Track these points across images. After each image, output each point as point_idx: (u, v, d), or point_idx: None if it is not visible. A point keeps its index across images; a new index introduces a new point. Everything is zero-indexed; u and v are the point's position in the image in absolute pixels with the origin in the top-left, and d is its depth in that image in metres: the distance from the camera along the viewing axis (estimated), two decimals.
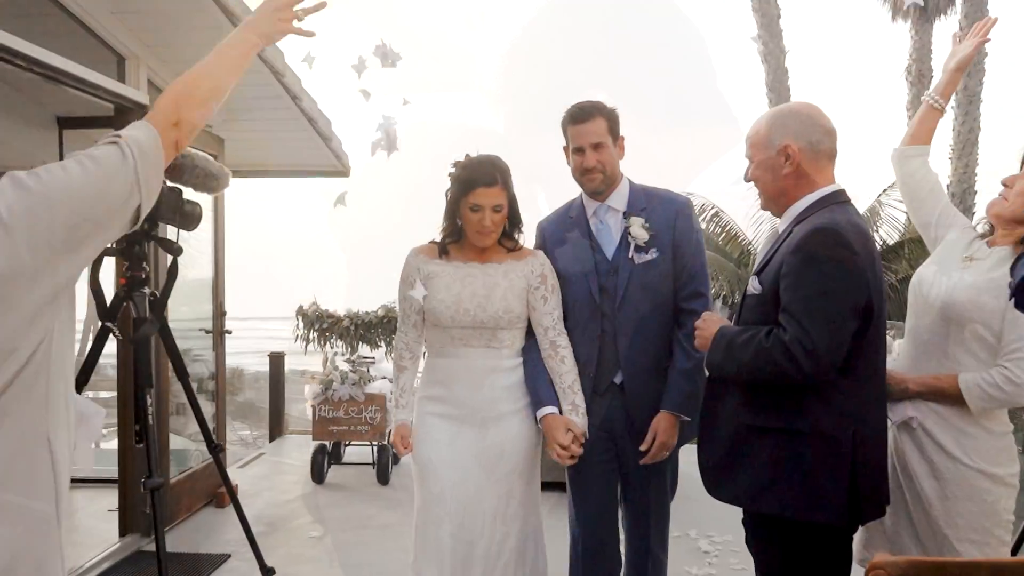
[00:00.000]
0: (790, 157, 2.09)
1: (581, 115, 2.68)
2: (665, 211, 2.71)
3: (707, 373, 2.27)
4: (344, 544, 4.45)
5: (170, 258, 2.33)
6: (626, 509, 2.82)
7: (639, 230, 2.66)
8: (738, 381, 2.10)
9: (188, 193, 2.42)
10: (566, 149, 2.74)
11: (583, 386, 2.70)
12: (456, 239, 2.69)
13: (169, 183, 2.30)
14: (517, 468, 2.65)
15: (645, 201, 2.72)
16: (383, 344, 7.04)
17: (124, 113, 4.23)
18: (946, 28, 14.03)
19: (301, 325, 7.05)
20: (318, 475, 5.72)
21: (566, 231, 2.78)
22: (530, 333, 2.73)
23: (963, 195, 13.15)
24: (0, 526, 1.32)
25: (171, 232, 2.41)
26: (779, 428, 2.02)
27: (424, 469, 2.64)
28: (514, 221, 2.69)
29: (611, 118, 2.71)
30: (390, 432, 2.84)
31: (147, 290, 2.33)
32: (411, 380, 2.77)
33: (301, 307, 6.96)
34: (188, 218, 2.34)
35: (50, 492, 1.40)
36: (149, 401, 2.29)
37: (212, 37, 4.45)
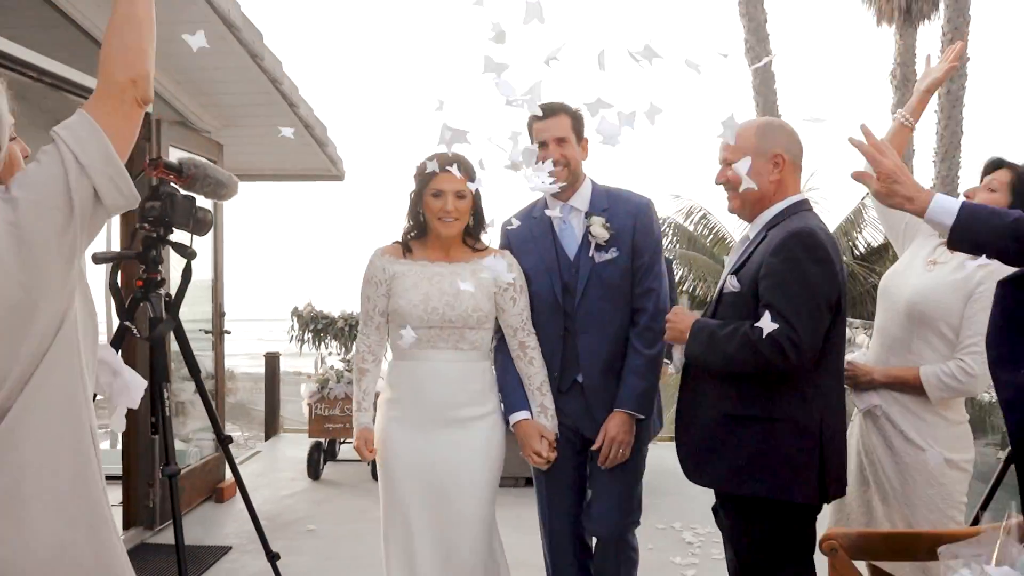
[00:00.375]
0: (778, 165, 2.27)
1: (545, 111, 2.67)
2: (626, 211, 2.74)
3: (676, 365, 2.44)
4: (339, 537, 4.60)
5: (184, 261, 2.49)
6: (592, 503, 2.80)
7: (599, 229, 2.70)
8: (717, 373, 2.26)
9: (199, 200, 2.57)
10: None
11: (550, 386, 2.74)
12: (420, 235, 2.69)
13: (183, 192, 2.45)
14: (483, 475, 2.63)
15: (607, 201, 2.76)
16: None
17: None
18: (930, 32, 14.20)
19: (296, 326, 7.20)
20: (314, 471, 5.86)
21: (530, 230, 2.80)
22: (499, 334, 2.75)
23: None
24: (55, 517, 1.46)
25: (183, 237, 2.56)
26: (757, 417, 2.19)
27: (388, 476, 2.64)
28: (478, 220, 2.70)
29: (575, 117, 2.74)
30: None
31: (163, 291, 2.48)
32: (373, 383, 2.74)
33: (296, 308, 7.09)
34: (201, 224, 2.49)
35: (97, 478, 1.54)
36: (166, 395, 2.45)
37: (230, 67, 4.64)
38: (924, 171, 13.08)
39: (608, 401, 2.69)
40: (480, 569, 2.59)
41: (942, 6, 13.63)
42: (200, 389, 2.67)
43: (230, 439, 2.87)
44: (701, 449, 2.30)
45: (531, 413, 2.68)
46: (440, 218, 2.61)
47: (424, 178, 2.61)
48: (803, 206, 2.29)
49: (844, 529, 1.84)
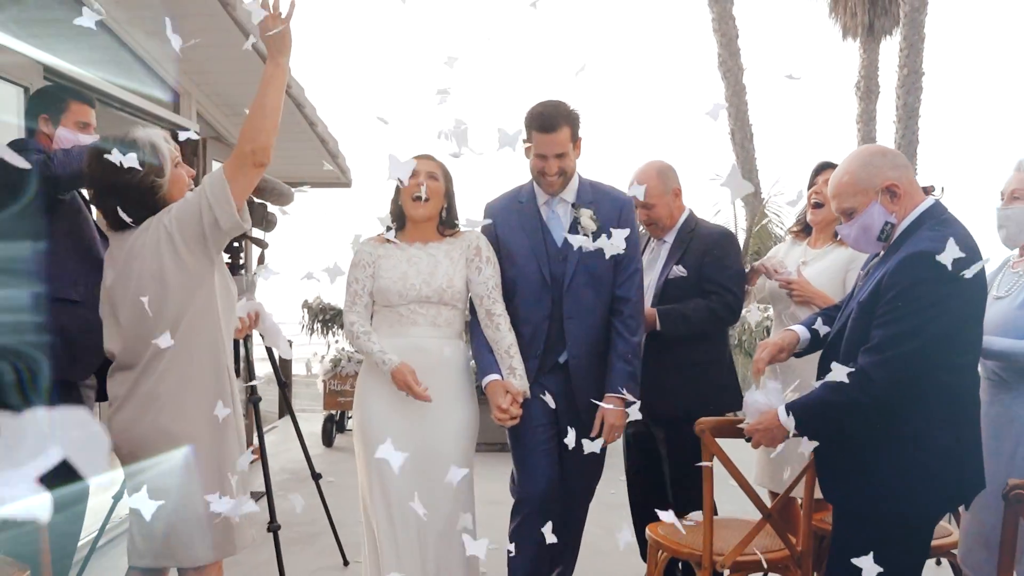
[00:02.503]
0: (678, 196, 3.17)
1: (547, 125, 2.80)
2: (612, 206, 2.89)
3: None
4: (352, 487, 5.48)
5: (258, 250, 3.38)
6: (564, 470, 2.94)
7: (588, 221, 2.84)
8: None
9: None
10: (527, 148, 2.88)
11: (531, 365, 2.86)
12: (400, 227, 2.89)
13: (257, 200, 3.33)
14: (459, 444, 2.80)
15: (593, 195, 2.90)
16: None
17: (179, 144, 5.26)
18: (891, 47, 15.01)
19: (307, 317, 8.09)
20: (327, 439, 6.77)
21: (516, 215, 2.93)
22: (473, 314, 2.91)
23: None
24: (194, 414, 2.30)
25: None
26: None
27: (368, 448, 2.76)
28: (451, 214, 2.89)
29: (574, 125, 2.84)
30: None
31: (242, 273, 3.36)
32: (376, 337, 2.80)
33: (306, 301, 7.98)
34: (269, 223, 3.37)
35: (228, 396, 2.41)
36: (243, 352, 3.34)
37: (248, 78, 5.51)
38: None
39: (591, 383, 2.84)
40: (456, 548, 2.73)
41: (901, 23, 14.50)
42: (248, 355, 3.55)
43: (260, 399, 3.69)
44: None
45: (501, 375, 2.80)
46: (413, 198, 2.80)
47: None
48: (696, 219, 3.21)
49: None
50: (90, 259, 2.83)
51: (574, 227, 2.86)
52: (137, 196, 2.31)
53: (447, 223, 2.89)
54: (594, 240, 2.67)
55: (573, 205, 2.89)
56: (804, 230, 3.36)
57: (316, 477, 3.89)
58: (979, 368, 2.48)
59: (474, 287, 2.85)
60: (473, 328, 2.91)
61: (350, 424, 7.23)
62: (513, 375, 2.80)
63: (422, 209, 2.81)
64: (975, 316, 2.04)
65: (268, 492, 3.32)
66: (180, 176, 2.42)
